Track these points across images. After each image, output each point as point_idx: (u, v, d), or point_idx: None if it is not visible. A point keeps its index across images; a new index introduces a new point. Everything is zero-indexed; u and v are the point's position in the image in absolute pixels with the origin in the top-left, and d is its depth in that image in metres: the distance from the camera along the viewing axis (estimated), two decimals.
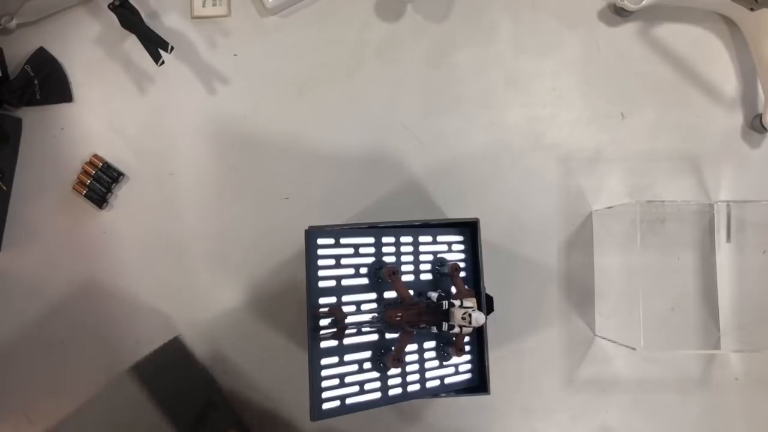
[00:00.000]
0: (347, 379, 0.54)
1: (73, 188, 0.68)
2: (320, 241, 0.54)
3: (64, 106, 0.69)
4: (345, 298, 0.55)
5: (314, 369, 0.51)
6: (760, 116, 0.67)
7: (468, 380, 0.60)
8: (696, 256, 0.68)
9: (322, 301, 0.54)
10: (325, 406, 0.52)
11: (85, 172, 0.68)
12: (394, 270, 0.55)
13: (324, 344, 0.53)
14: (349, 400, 0.54)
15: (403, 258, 0.58)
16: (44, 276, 0.68)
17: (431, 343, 0.59)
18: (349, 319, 0.53)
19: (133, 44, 0.68)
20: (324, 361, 0.53)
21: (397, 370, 0.56)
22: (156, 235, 0.68)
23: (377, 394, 0.55)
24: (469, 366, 0.61)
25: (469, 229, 0.62)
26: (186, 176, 0.69)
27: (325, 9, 0.70)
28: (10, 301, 0.68)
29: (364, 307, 0.55)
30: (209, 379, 0.64)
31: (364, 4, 0.71)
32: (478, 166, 0.69)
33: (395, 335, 0.56)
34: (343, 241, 0.55)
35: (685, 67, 0.70)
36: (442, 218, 0.67)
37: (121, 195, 0.69)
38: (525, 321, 0.68)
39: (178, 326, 0.68)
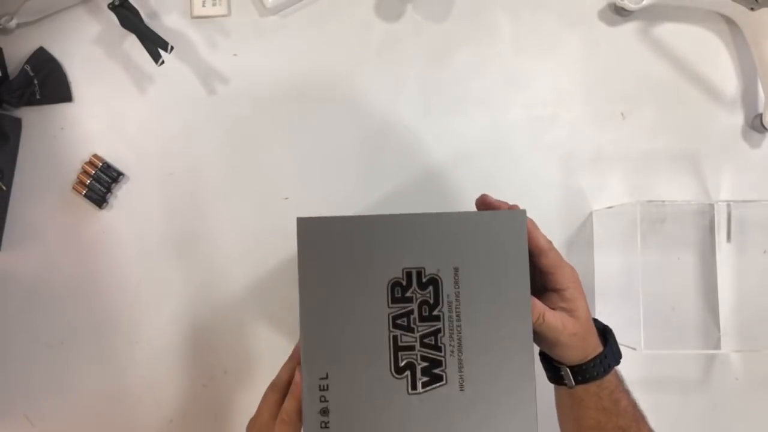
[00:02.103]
0: None
1: (73, 188, 0.68)
2: None
3: (63, 106, 0.69)
4: None
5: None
6: (760, 116, 0.67)
7: None
8: (696, 256, 0.68)
9: None
10: None
11: (85, 172, 0.68)
12: None
13: None
14: None
15: None
16: (44, 276, 0.68)
17: None
18: None
19: (133, 44, 0.68)
20: None
21: None
22: (156, 235, 0.68)
23: None
24: None
25: None
26: (186, 176, 0.69)
27: (325, 9, 0.70)
28: (9, 301, 0.68)
29: None
30: None
31: (364, 4, 0.71)
32: (478, 166, 0.69)
33: None
34: None
35: (685, 67, 0.70)
36: None
37: (121, 195, 0.69)
38: None
39: (178, 326, 0.68)
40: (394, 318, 0.43)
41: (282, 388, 0.47)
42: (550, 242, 0.48)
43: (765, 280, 0.67)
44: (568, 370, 0.49)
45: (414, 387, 0.43)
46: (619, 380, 0.51)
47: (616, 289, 0.67)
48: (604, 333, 0.52)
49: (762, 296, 0.67)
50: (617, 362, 0.51)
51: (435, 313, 0.43)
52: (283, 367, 0.49)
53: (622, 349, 0.62)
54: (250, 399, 0.67)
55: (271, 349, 0.68)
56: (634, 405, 0.51)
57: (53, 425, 0.67)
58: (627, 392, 0.51)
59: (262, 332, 0.68)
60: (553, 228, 0.68)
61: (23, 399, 0.67)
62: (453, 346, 0.43)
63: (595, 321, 0.52)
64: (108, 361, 0.68)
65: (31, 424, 0.67)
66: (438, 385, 0.43)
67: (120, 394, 0.68)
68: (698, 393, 0.67)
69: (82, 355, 0.68)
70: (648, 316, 0.59)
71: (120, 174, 0.68)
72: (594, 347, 0.49)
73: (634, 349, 0.59)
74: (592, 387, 0.49)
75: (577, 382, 0.49)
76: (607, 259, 0.68)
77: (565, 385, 0.50)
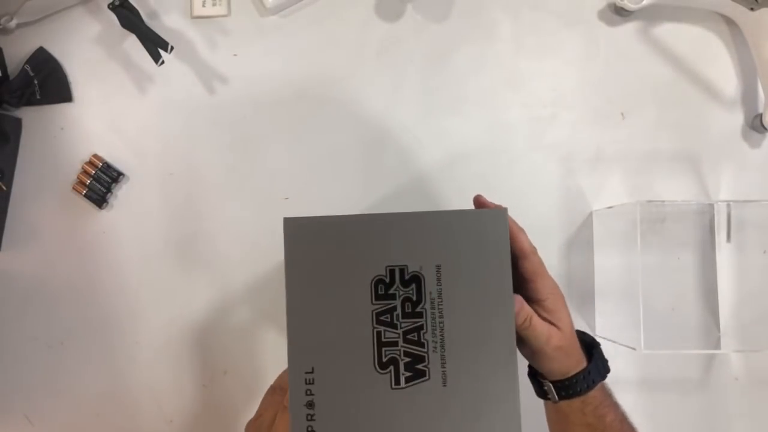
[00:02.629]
0: None
1: (73, 188, 0.68)
2: None
3: (63, 106, 0.69)
4: None
5: None
6: (760, 116, 0.67)
7: None
8: (696, 255, 0.68)
9: None
10: None
11: (85, 172, 0.68)
12: None
13: None
14: None
15: None
16: (44, 276, 0.68)
17: None
18: None
19: (133, 44, 0.68)
20: None
21: None
22: (156, 235, 0.68)
23: None
24: None
25: None
26: (186, 176, 0.69)
27: (325, 9, 0.70)
28: (9, 301, 0.68)
29: None
30: None
31: (364, 4, 0.71)
32: (478, 166, 0.69)
33: None
34: None
35: (685, 67, 0.70)
36: None
37: (121, 195, 0.69)
38: None
39: (178, 326, 0.68)
40: (378, 314, 0.44)
41: (283, 390, 0.47)
42: (534, 248, 0.48)
43: (765, 280, 0.67)
44: (551, 385, 0.49)
45: (397, 382, 0.44)
46: (606, 394, 0.50)
47: (616, 289, 0.67)
48: (590, 347, 0.51)
49: (762, 296, 0.67)
50: (603, 377, 0.50)
51: (418, 309, 0.44)
52: (284, 372, 0.49)
53: (622, 349, 0.62)
54: (250, 399, 0.67)
55: (271, 349, 0.68)
56: (621, 419, 0.50)
57: (53, 425, 0.67)
58: (614, 406, 0.50)
59: (262, 332, 0.68)
60: (553, 228, 0.69)
61: (23, 399, 0.67)
62: (436, 342, 0.44)
63: (583, 334, 0.51)
64: (108, 361, 0.68)
65: (31, 424, 0.67)
66: (421, 380, 0.44)
67: (120, 394, 0.68)
68: (698, 393, 0.67)
69: (82, 355, 0.68)
70: (648, 316, 0.59)
71: (120, 174, 0.68)
72: (577, 362, 0.49)
73: (634, 349, 0.59)
74: (575, 402, 0.49)
75: (561, 397, 0.49)
76: (607, 259, 0.68)
77: (550, 399, 0.50)
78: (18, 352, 0.68)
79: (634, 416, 0.67)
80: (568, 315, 0.48)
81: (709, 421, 0.67)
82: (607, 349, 0.67)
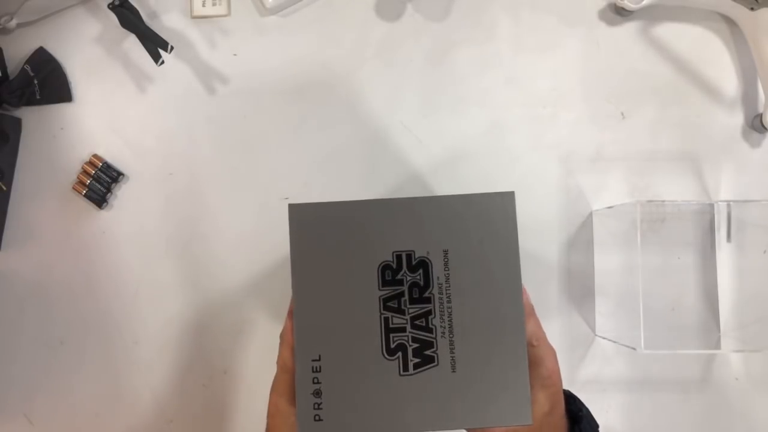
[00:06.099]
0: None
1: (73, 188, 0.68)
2: None
3: (63, 106, 0.69)
4: None
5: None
6: (760, 116, 0.67)
7: None
8: (696, 255, 0.68)
9: None
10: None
11: (85, 172, 0.68)
12: None
13: None
14: None
15: None
16: (44, 276, 0.68)
17: None
18: None
19: (132, 44, 0.68)
20: None
21: None
22: (156, 235, 0.68)
23: None
24: None
25: None
26: (186, 176, 0.69)
27: (325, 9, 0.70)
28: (9, 301, 0.68)
29: None
30: None
31: (364, 4, 0.71)
32: (478, 166, 0.69)
33: None
34: None
35: (685, 67, 0.70)
36: None
37: (121, 195, 0.69)
38: None
39: (178, 326, 0.68)
40: (385, 300, 0.44)
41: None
42: (531, 306, 0.45)
43: (765, 280, 0.67)
44: None
45: (406, 368, 0.43)
46: None
47: (616, 289, 0.67)
48: (578, 420, 0.47)
49: (762, 296, 0.67)
50: None
51: (425, 295, 0.44)
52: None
53: (622, 349, 0.62)
54: (250, 399, 0.67)
55: (271, 349, 0.67)
56: None
57: (53, 425, 0.67)
58: None
59: (262, 332, 0.68)
60: (553, 228, 0.68)
61: (23, 399, 0.67)
62: (444, 328, 0.44)
63: (573, 402, 0.48)
64: (108, 361, 0.68)
65: (31, 424, 0.67)
66: (430, 366, 0.43)
67: (120, 394, 0.68)
68: (698, 393, 0.67)
69: (81, 355, 0.68)
70: (648, 316, 0.59)
71: (120, 174, 0.68)
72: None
73: (634, 349, 0.59)
74: None
75: None
76: (607, 259, 0.68)
77: None
78: (18, 352, 0.68)
79: (635, 416, 0.67)
80: (544, 396, 0.45)
81: (709, 421, 0.67)
82: (607, 349, 0.67)
